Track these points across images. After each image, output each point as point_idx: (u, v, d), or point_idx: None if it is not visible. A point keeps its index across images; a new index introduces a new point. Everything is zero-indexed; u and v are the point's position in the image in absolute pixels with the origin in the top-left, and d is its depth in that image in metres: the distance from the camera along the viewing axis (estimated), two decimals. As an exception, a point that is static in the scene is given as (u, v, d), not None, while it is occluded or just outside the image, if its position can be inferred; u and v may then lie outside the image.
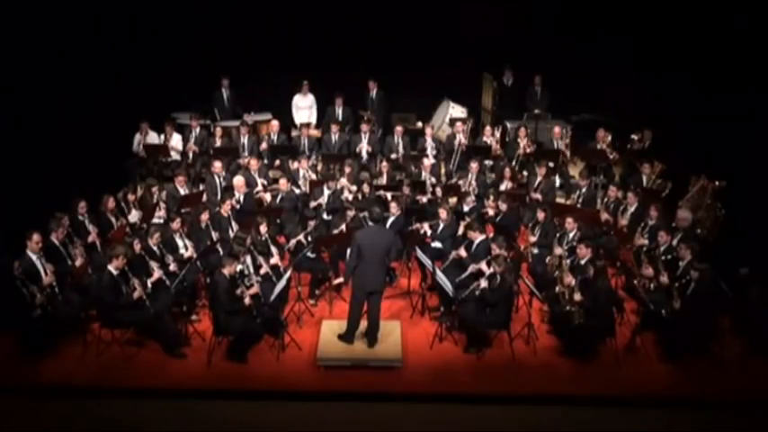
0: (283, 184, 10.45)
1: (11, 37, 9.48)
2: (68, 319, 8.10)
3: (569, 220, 9.05)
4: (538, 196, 10.58)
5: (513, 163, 11.71)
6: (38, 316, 7.75)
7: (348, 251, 8.22)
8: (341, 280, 8.92)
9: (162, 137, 11.95)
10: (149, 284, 8.02)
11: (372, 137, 12.15)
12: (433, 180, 10.96)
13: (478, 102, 13.80)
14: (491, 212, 9.90)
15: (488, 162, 11.94)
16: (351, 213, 9.39)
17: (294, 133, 12.49)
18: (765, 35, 9.64)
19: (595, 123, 12.31)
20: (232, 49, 13.02)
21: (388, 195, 10.50)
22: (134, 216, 9.81)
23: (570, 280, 8.09)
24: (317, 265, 9.15)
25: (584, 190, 10.49)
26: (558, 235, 9.04)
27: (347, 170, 10.90)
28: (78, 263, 8.58)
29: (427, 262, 8.65)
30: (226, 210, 9.60)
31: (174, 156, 11.98)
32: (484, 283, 8.01)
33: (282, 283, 8.26)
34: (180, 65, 12.63)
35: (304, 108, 13.24)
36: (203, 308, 8.80)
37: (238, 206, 10.05)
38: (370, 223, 8.18)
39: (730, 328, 8.37)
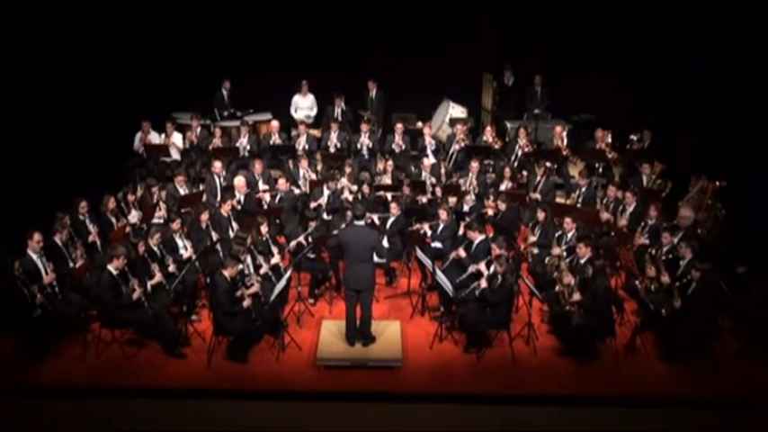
0: (282, 184, 10.45)
1: (11, 37, 9.48)
2: (68, 319, 8.11)
3: (568, 220, 9.05)
4: (537, 196, 10.59)
5: (513, 161, 11.72)
6: (38, 316, 7.76)
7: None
8: None
9: (162, 136, 11.96)
10: (149, 285, 8.02)
11: (372, 137, 12.16)
12: (433, 180, 10.96)
13: (478, 102, 13.80)
14: (490, 212, 9.91)
15: (488, 162, 11.95)
16: (351, 213, 9.39)
17: (294, 133, 12.50)
18: (765, 35, 9.63)
19: (595, 123, 12.31)
20: (232, 49, 13.02)
21: (388, 195, 10.50)
22: (134, 216, 9.81)
23: (569, 280, 8.10)
24: (317, 265, 9.15)
25: (583, 190, 10.48)
26: (556, 235, 9.05)
27: (347, 170, 10.91)
28: (79, 263, 8.58)
29: (427, 262, 8.65)
30: (226, 210, 9.61)
31: (175, 155, 11.98)
32: (484, 284, 8.02)
33: (282, 283, 8.26)
34: (180, 65, 12.63)
35: (304, 108, 13.24)
36: (203, 308, 8.81)
37: (239, 206, 10.05)
38: (355, 222, 8.19)
39: (730, 328, 8.37)
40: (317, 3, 12.96)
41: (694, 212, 9.58)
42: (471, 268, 8.40)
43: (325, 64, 13.21)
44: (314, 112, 13.27)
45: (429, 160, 11.26)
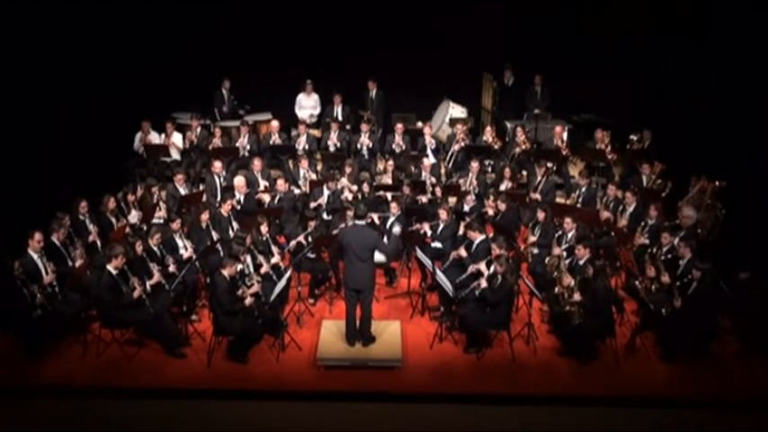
0: (281, 184, 10.45)
1: (11, 37, 9.48)
2: (68, 319, 8.11)
3: (568, 220, 9.05)
4: (537, 196, 10.59)
5: (511, 161, 11.73)
6: (38, 316, 7.75)
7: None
8: None
9: (162, 136, 11.96)
10: (149, 286, 8.03)
11: (372, 137, 12.16)
12: (433, 180, 10.96)
13: (478, 102, 13.81)
14: (491, 212, 9.91)
15: (488, 162, 11.95)
16: (351, 213, 9.38)
17: (294, 132, 12.50)
18: (764, 34, 9.63)
19: (595, 123, 12.32)
20: (232, 49, 13.02)
21: (388, 195, 10.50)
22: (134, 216, 9.82)
23: (569, 280, 8.09)
24: (317, 265, 9.15)
25: (583, 190, 10.49)
26: (556, 235, 9.05)
27: (347, 170, 10.91)
28: (78, 263, 8.58)
29: (427, 262, 8.65)
30: (226, 210, 9.61)
31: (175, 155, 11.98)
32: (484, 284, 8.02)
33: (282, 283, 8.26)
34: (180, 65, 12.63)
35: (307, 108, 13.25)
36: (203, 308, 8.81)
37: (239, 206, 10.06)
38: (356, 222, 8.19)
39: (730, 328, 8.37)
40: (316, 3, 12.96)
41: (696, 212, 9.58)
42: (471, 268, 8.40)
43: (325, 64, 13.22)
44: (317, 111, 13.29)
45: (429, 160, 11.26)
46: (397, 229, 9.29)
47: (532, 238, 9.37)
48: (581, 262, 8.28)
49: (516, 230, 10.04)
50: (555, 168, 11.53)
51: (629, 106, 12.35)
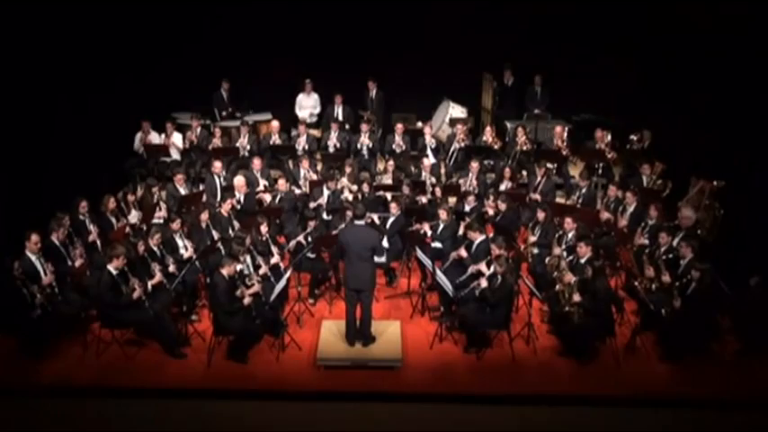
0: (282, 184, 10.45)
1: (11, 37, 9.48)
2: (68, 319, 8.11)
3: (568, 219, 9.05)
4: (537, 197, 10.58)
5: (511, 161, 11.73)
6: (38, 316, 7.75)
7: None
8: None
9: (162, 136, 11.96)
10: (150, 285, 8.03)
11: (372, 137, 12.17)
12: (433, 180, 10.96)
13: (478, 102, 13.81)
14: (491, 212, 9.91)
15: (488, 162, 11.95)
16: (351, 213, 9.38)
17: (294, 133, 12.50)
18: (764, 34, 9.64)
19: (595, 123, 12.32)
20: (232, 49, 13.02)
21: (388, 195, 10.50)
22: (134, 216, 9.82)
23: (570, 278, 8.09)
24: (317, 265, 9.15)
25: (584, 190, 10.49)
26: (556, 235, 9.05)
27: (347, 170, 10.91)
28: (78, 263, 8.58)
29: (427, 262, 8.65)
30: (226, 210, 9.61)
31: (175, 155, 11.99)
32: (484, 284, 8.02)
33: (282, 283, 8.26)
34: (180, 65, 12.63)
35: (307, 108, 13.25)
36: (203, 308, 8.81)
37: (239, 206, 10.06)
38: (355, 221, 8.19)
39: (730, 328, 8.37)
40: (316, 3, 12.96)
41: (694, 212, 9.59)
42: (471, 268, 8.39)
43: (325, 64, 13.22)
44: (317, 111, 13.31)
45: (429, 160, 11.26)
46: (382, 259, 9.16)
47: (532, 238, 9.37)
48: (582, 260, 8.28)
49: (516, 230, 10.05)
50: (555, 168, 11.53)
51: (629, 106, 12.34)
